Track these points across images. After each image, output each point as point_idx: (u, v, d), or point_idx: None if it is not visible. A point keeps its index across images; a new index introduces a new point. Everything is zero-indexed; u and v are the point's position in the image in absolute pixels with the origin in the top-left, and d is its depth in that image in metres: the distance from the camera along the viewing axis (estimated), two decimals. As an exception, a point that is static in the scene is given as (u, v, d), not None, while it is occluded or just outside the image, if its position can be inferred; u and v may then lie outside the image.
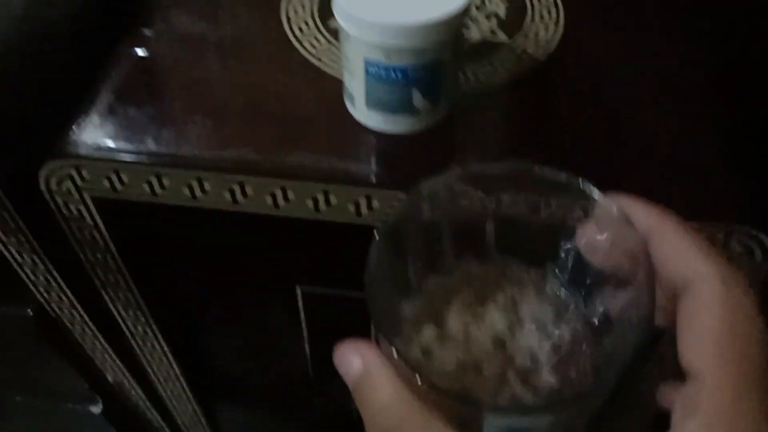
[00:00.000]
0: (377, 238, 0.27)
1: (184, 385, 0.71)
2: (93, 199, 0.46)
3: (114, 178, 0.44)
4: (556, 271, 0.31)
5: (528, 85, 0.47)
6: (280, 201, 0.43)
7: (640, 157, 0.43)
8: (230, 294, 0.57)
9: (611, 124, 0.45)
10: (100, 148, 0.44)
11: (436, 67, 0.40)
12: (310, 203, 0.43)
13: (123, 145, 0.44)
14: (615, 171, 0.42)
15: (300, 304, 0.54)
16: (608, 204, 0.27)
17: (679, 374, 0.24)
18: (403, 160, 0.43)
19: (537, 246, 0.30)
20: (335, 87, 0.45)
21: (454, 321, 0.29)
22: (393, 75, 0.39)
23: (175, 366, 0.68)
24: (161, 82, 0.48)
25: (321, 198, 0.42)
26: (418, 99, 0.41)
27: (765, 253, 0.41)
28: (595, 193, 0.28)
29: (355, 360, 0.26)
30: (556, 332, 0.29)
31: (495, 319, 0.30)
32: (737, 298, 0.23)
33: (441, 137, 0.44)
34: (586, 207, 0.28)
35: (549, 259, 0.31)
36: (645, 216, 0.26)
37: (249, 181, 0.43)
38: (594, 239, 0.28)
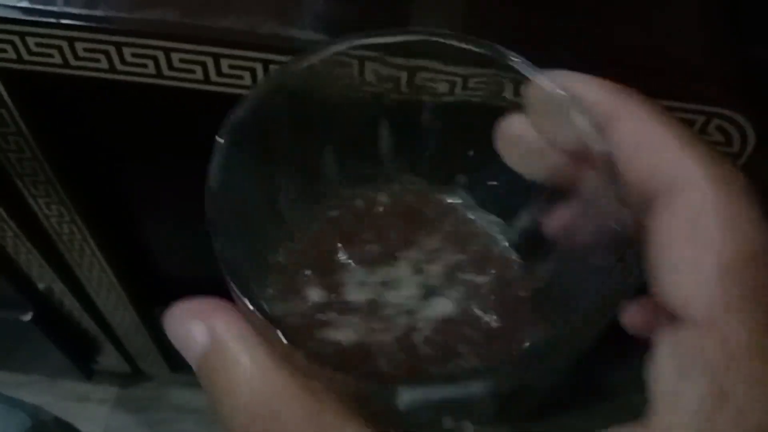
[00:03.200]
0: (222, 142, 0.19)
1: (119, 290, 0.67)
2: (-4, 70, 0.40)
3: (19, 44, 0.38)
4: (470, 187, 0.24)
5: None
6: (212, 74, 0.38)
7: (616, 23, 0.39)
8: (164, 183, 0.52)
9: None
10: (2, 8, 0.38)
11: None
12: (247, 76, 0.38)
13: (27, 4, 0.38)
14: (586, 34, 0.38)
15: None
16: (547, 83, 0.19)
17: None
18: (356, 24, 0.38)
19: (444, 155, 0.23)
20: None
21: (340, 267, 0.22)
22: None
23: (108, 270, 0.63)
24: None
25: (260, 70, 0.37)
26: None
27: (744, 140, 0.38)
28: (528, 70, 0.20)
29: (197, 330, 0.18)
30: (476, 275, 0.23)
31: (395, 262, 0.23)
32: (738, 209, 0.17)
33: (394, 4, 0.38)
34: (515, 92, 0.20)
35: (460, 173, 0.24)
36: (599, 97, 0.19)
37: (175, 49, 0.37)
38: (521, 136, 0.20)
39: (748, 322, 0.16)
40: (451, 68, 0.21)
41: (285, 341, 0.16)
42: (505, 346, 0.21)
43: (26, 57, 0.39)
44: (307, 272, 0.22)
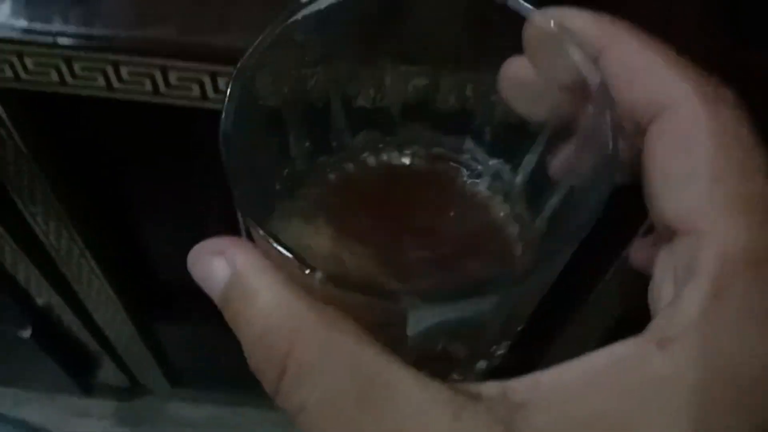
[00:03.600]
0: (232, 88, 0.19)
1: (118, 304, 0.66)
2: (-6, 89, 0.40)
3: (16, 63, 0.38)
4: (476, 138, 0.24)
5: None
6: (209, 91, 0.38)
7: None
8: (161, 198, 0.52)
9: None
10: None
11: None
12: (244, 93, 0.38)
13: (24, 23, 0.38)
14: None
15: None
16: (542, 20, 0.20)
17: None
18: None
19: (449, 102, 0.24)
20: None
21: (354, 214, 0.23)
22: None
23: (107, 284, 0.63)
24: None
25: (257, 87, 0.37)
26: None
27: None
28: (524, 9, 0.20)
29: (218, 265, 0.18)
30: (482, 209, 0.23)
31: (409, 202, 0.23)
32: (728, 121, 0.17)
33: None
34: (513, 37, 0.20)
35: (466, 125, 0.24)
36: (593, 29, 0.19)
37: (172, 67, 0.37)
38: (523, 77, 0.21)
39: (741, 226, 0.16)
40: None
41: (301, 266, 0.17)
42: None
43: (23, 76, 0.39)
44: (320, 217, 0.23)
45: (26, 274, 0.61)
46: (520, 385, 0.16)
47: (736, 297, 0.15)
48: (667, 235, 0.18)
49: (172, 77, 0.37)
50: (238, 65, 0.20)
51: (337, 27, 0.21)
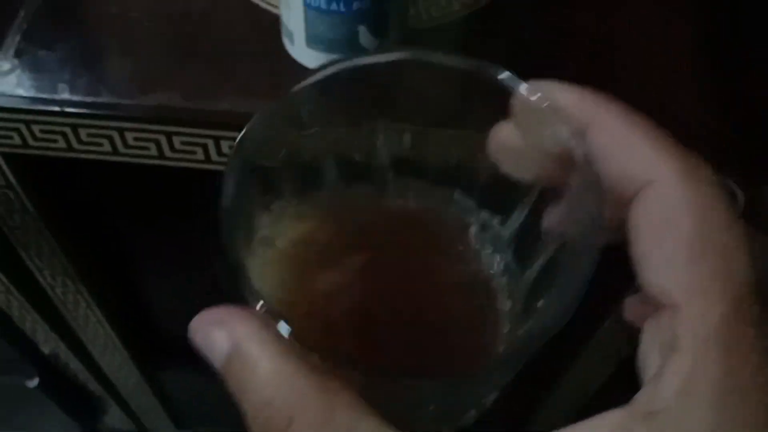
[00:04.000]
0: (232, 165, 0.20)
1: (124, 352, 0.67)
2: (3, 155, 0.41)
3: (25, 131, 0.39)
4: (466, 191, 0.25)
5: (485, 20, 0.43)
6: (213, 154, 0.39)
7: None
8: (165, 254, 0.53)
9: (579, 59, 0.41)
10: (7, 98, 0.39)
11: (383, -2, 0.35)
12: (247, 155, 0.38)
13: (33, 93, 0.39)
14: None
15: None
16: (530, 93, 0.21)
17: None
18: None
19: (440, 163, 0.24)
20: (271, 23, 0.40)
21: (343, 265, 0.24)
22: (335, 7, 0.35)
23: (112, 334, 0.63)
24: (75, 19, 0.42)
25: (259, 149, 0.38)
26: (365, 36, 0.37)
27: (733, 202, 0.38)
28: (513, 81, 0.21)
29: (218, 336, 0.19)
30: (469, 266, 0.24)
31: (401, 262, 0.24)
32: (707, 201, 0.18)
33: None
34: (502, 105, 0.21)
35: (456, 178, 0.25)
36: (579, 105, 0.20)
37: (177, 132, 0.38)
38: (511, 143, 0.22)
39: (719, 304, 0.17)
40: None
41: (300, 345, 0.17)
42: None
43: (31, 143, 0.40)
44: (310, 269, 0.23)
45: (33, 325, 0.62)
46: None
47: (711, 381, 0.16)
48: (654, 304, 0.18)
49: (177, 142, 0.38)
50: (238, 139, 0.21)
51: (333, 96, 0.22)
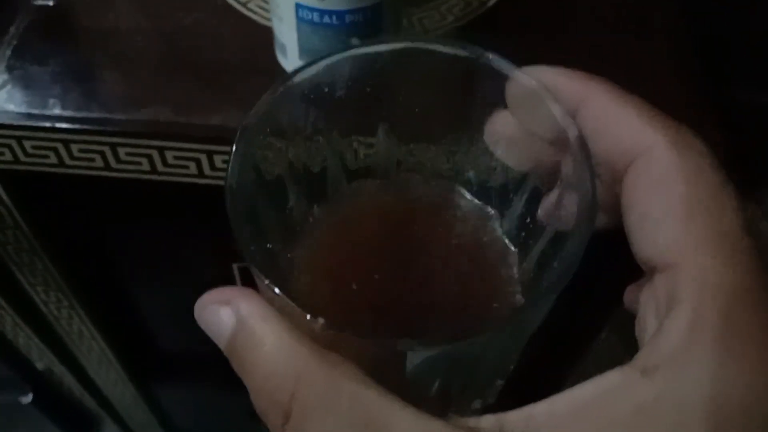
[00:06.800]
0: (236, 144, 0.21)
1: (119, 367, 0.66)
2: (-6, 171, 0.41)
3: (16, 147, 0.39)
4: (467, 180, 0.25)
5: (477, 32, 0.43)
6: (206, 168, 0.39)
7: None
8: (159, 271, 0.53)
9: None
10: (-2, 113, 0.39)
11: (375, 11, 0.35)
12: (240, 169, 0.38)
13: (24, 108, 0.39)
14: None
15: (238, 281, 0.50)
16: (523, 78, 0.21)
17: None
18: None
19: (440, 154, 0.25)
20: (264, 36, 0.40)
21: (353, 259, 0.24)
22: (328, 19, 0.34)
23: (107, 349, 0.63)
24: (66, 34, 0.42)
25: (252, 162, 0.38)
26: (357, 48, 0.37)
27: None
28: (506, 67, 0.21)
29: (224, 313, 0.19)
30: (468, 255, 0.24)
31: (406, 244, 0.24)
32: (697, 165, 0.18)
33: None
34: (498, 93, 0.22)
35: (457, 170, 0.25)
36: (569, 84, 0.20)
37: (169, 147, 0.38)
38: (506, 129, 0.22)
39: (713, 260, 0.17)
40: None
41: (303, 313, 0.17)
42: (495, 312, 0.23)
43: (23, 158, 0.40)
44: (319, 264, 0.24)
45: (26, 341, 0.62)
46: (515, 418, 0.17)
47: (712, 327, 0.16)
48: (649, 272, 0.19)
49: (169, 157, 0.38)
50: (242, 124, 0.21)
51: (333, 90, 0.23)
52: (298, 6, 0.34)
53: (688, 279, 0.17)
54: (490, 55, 0.22)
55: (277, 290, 0.18)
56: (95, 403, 0.75)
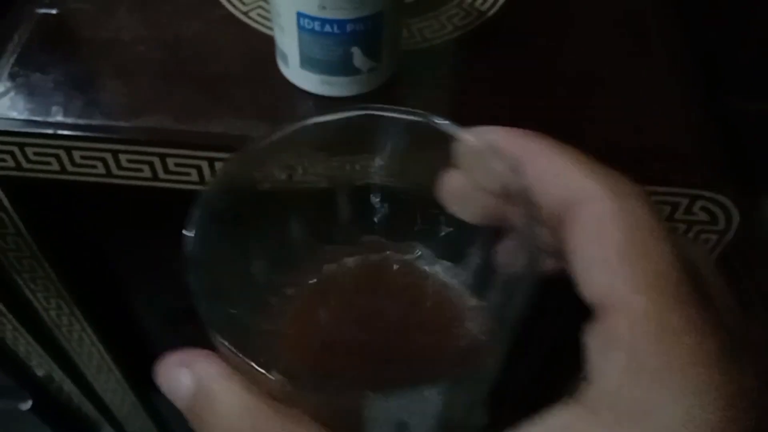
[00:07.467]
0: (196, 214, 0.21)
1: (119, 374, 0.66)
2: (-4, 178, 0.41)
3: (18, 154, 0.39)
4: (424, 241, 0.26)
5: (477, 41, 0.43)
6: (207, 175, 0.39)
7: (600, 119, 0.40)
8: (159, 276, 0.53)
9: (567, 80, 0.41)
10: (1, 121, 0.39)
11: (376, 20, 0.35)
12: (241, 176, 0.38)
13: (27, 115, 0.39)
14: (573, 130, 0.39)
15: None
16: (469, 139, 0.23)
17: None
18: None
19: (399, 214, 0.26)
20: (266, 45, 0.40)
21: (318, 322, 0.25)
22: (329, 29, 0.35)
23: (106, 356, 0.63)
24: (68, 43, 0.43)
25: (253, 170, 0.38)
26: (358, 57, 0.37)
27: (728, 220, 0.38)
28: (453, 130, 0.23)
29: (183, 376, 0.19)
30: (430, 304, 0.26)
31: (370, 303, 0.25)
32: (633, 211, 0.19)
33: (384, 101, 0.40)
34: (447, 155, 0.23)
35: (415, 230, 0.26)
36: (510, 142, 0.22)
37: (171, 154, 0.38)
38: (458, 187, 0.24)
39: (646, 303, 0.18)
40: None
41: (259, 370, 0.18)
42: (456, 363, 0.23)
43: (25, 165, 0.40)
44: (280, 328, 0.24)
45: (26, 347, 0.62)
46: None
47: (647, 368, 0.17)
48: (596, 312, 0.20)
49: (171, 164, 0.38)
50: (201, 194, 0.22)
51: (295, 151, 0.24)
52: (299, 15, 0.35)
53: (625, 321, 0.18)
54: (440, 120, 0.23)
55: (231, 347, 0.18)
56: (95, 410, 0.75)
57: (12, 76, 0.41)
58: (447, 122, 0.23)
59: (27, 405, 0.71)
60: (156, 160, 0.38)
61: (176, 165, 0.38)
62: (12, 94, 0.40)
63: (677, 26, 0.44)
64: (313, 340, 0.24)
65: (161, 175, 0.39)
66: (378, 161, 0.25)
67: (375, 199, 0.26)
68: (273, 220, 0.25)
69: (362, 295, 0.26)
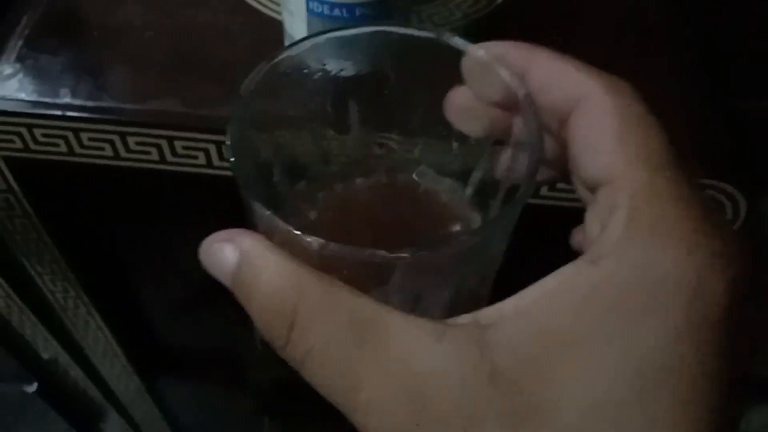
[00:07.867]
0: (235, 107, 0.23)
1: (124, 360, 0.67)
2: (4, 159, 0.41)
3: (26, 135, 0.40)
4: (431, 158, 0.28)
5: (487, 28, 0.43)
6: (215, 159, 0.39)
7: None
8: (166, 261, 0.53)
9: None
10: (9, 101, 0.39)
11: (385, 4, 0.35)
12: (248, 160, 0.39)
13: (35, 97, 0.39)
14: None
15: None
16: (475, 51, 0.24)
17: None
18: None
19: (407, 132, 0.28)
20: (274, 30, 0.40)
21: (337, 197, 0.27)
22: (338, 12, 0.35)
23: (112, 340, 0.63)
24: (77, 26, 0.43)
25: (260, 154, 0.38)
26: (366, 42, 0.37)
27: (736, 209, 0.38)
28: (461, 44, 0.24)
29: (228, 250, 0.20)
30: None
31: (380, 216, 0.27)
32: (627, 102, 0.22)
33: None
34: (455, 68, 0.25)
35: (421, 144, 0.28)
36: (515, 52, 0.24)
37: (178, 137, 0.38)
38: (465, 103, 0.25)
39: (645, 170, 0.20)
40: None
41: (301, 235, 0.19)
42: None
43: (33, 146, 0.40)
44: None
45: (33, 330, 0.62)
46: (488, 312, 0.19)
47: (645, 221, 0.19)
48: (592, 192, 0.22)
49: (178, 147, 0.38)
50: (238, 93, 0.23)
51: (311, 74, 0.25)
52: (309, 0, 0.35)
53: (624, 188, 0.20)
54: (448, 35, 0.24)
55: (275, 217, 0.20)
56: (100, 394, 0.75)
57: (21, 58, 0.41)
58: (457, 37, 0.24)
59: (32, 388, 0.71)
60: (164, 143, 0.38)
61: (184, 148, 0.39)
62: (20, 75, 0.40)
63: (680, 23, 0.44)
64: (338, 226, 0.26)
65: (169, 158, 0.39)
66: (391, 77, 0.26)
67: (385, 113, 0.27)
68: (290, 124, 0.26)
69: (371, 209, 0.28)
